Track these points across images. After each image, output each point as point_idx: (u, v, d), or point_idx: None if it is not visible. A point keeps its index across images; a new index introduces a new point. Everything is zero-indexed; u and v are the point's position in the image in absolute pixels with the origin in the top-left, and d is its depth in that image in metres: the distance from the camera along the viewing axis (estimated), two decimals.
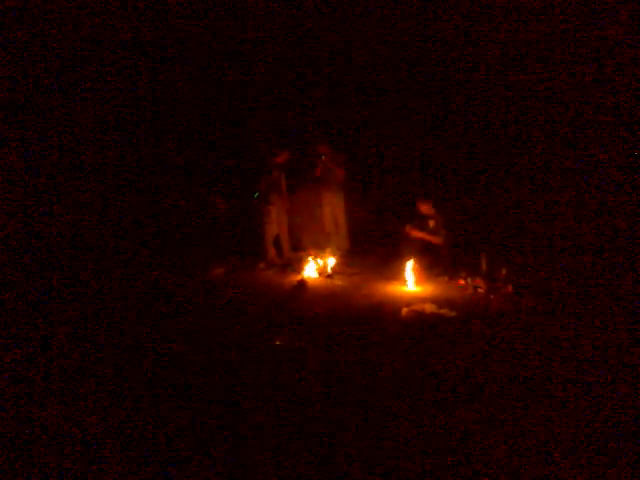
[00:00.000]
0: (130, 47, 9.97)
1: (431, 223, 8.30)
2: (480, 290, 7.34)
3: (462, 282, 7.63)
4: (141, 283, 7.51)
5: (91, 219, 9.20)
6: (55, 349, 5.37)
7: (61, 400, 4.42)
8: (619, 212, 8.81)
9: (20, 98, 9.32)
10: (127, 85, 9.99)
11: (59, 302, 6.69)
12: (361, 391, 4.57)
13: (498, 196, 9.22)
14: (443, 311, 6.50)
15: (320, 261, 8.30)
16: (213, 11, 10.15)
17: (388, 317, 6.37)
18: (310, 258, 8.30)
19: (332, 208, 9.22)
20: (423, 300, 6.87)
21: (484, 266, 7.77)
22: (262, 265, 8.62)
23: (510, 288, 7.24)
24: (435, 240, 8.18)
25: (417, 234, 8.17)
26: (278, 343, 5.61)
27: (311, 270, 8.21)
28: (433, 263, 8.03)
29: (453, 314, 6.42)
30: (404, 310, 6.47)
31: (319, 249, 8.55)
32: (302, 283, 7.56)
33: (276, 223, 8.82)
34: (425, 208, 8.35)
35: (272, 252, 8.80)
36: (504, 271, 7.54)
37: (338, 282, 7.96)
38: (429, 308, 6.54)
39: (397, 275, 7.80)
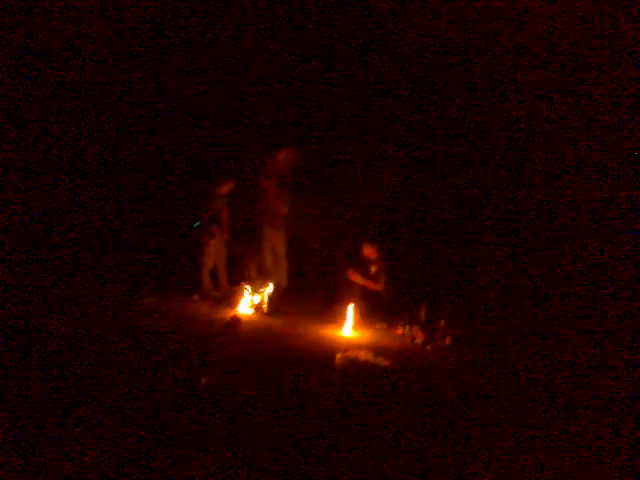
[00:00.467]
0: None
1: (372, 268, 8.17)
2: (417, 340, 7.20)
3: (400, 331, 7.47)
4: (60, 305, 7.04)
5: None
6: None
7: None
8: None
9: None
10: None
11: None
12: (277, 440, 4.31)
13: (440, 244, 9.12)
14: (378, 360, 6.30)
15: (257, 297, 8.00)
16: None
17: (321, 362, 6.12)
18: (246, 293, 7.99)
19: (273, 244, 8.97)
20: (359, 347, 6.67)
21: (423, 316, 7.64)
22: (196, 297, 8.27)
23: (448, 340, 7.13)
24: (375, 287, 8.03)
25: (358, 279, 8.02)
26: (203, 382, 5.28)
27: (246, 306, 7.91)
28: (372, 309, 7.88)
29: (387, 363, 6.23)
30: (338, 356, 6.24)
31: (257, 284, 8.25)
32: (235, 319, 7.24)
33: (215, 255, 8.50)
34: (370, 251, 8.22)
35: (208, 284, 8.45)
36: (442, 322, 7.43)
37: (273, 320, 7.68)
38: (364, 356, 6.33)
39: (335, 318, 7.61)
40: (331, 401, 5.10)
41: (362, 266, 8.17)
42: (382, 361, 6.28)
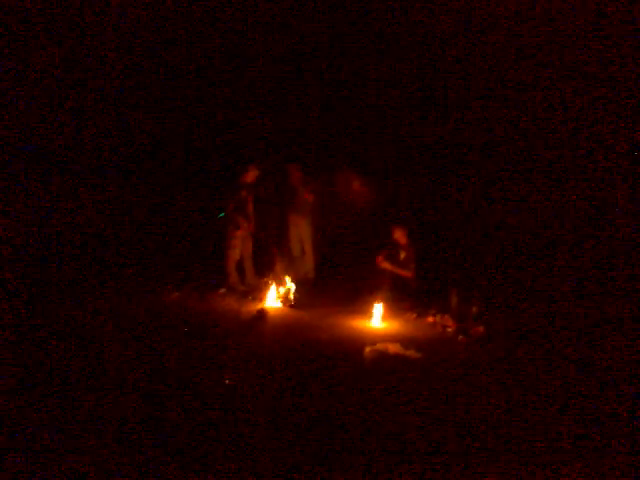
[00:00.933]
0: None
1: (402, 254, 7.95)
2: (449, 329, 6.97)
3: (431, 319, 7.25)
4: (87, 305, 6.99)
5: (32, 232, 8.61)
6: None
7: None
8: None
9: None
10: None
11: None
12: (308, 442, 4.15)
13: (473, 226, 8.84)
14: (408, 352, 6.09)
15: (283, 289, 7.85)
16: None
17: (349, 357, 5.94)
18: (273, 286, 7.84)
19: (299, 233, 8.79)
20: (388, 339, 6.45)
21: (454, 303, 7.40)
22: (223, 290, 8.14)
23: (481, 329, 6.86)
24: (405, 274, 7.81)
25: (387, 267, 7.80)
26: (227, 382, 5.16)
27: (273, 299, 7.76)
28: (401, 298, 7.66)
29: (418, 356, 6.02)
30: (367, 350, 6.05)
31: (284, 276, 8.09)
32: (262, 313, 7.13)
33: (241, 246, 8.35)
34: (399, 235, 8.00)
35: (234, 277, 8.30)
36: (475, 309, 7.18)
37: (300, 313, 7.53)
38: (393, 348, 6.11)
39: (363, 309, 7.42)
40: (360, 397, 4.94)
41: (391, 252, 7.96)
42: (413, 354, 6.06)
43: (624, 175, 8.74)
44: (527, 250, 8.54)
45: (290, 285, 7.85)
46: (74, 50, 9.28)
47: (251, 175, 8.36)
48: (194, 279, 8.37)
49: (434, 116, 9.71)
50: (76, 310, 6.79)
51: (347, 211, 9.03)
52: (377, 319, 7.23)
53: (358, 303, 7.60)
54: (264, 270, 8.38)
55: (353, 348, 6.17)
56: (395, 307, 7.54)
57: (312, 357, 5.89)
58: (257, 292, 7.97)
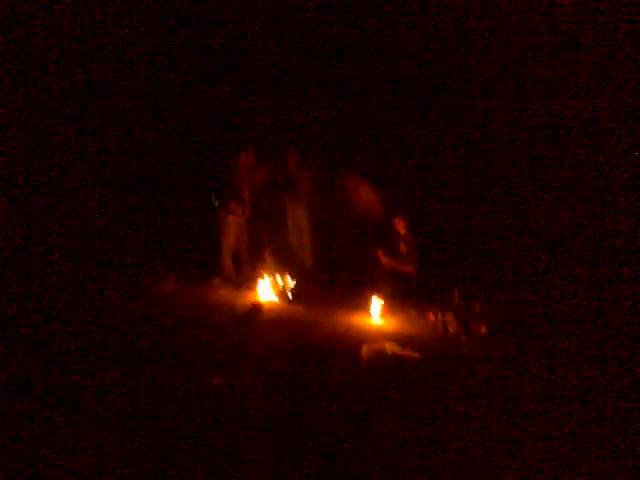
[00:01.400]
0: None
1: (403, 247, 7.70)
2: (450, 329, 6.73)
3: (431, 317, 7.02)
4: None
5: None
6: None
7: None
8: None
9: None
10: None
11: None
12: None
13: (475, 224, 8.63)
14: (406, 352, 5.86)
15: (280, 281, 7.58)
16: None
17: (346, 355, 5.71)
18: (269, 278, 7.58)
19: (296, 221, 8.52)
20: (387, 336, 6.25)
21: (456, 300, 7.17)
22: (217, 281, 7.88)
23: (484, 329, 6.63)
24: (406, 268, 7.57)
25: (387, 261, 7.55)
26: (216, 382, 4.94)
27: (269, 291, 7.50)
28: (402, 293, 7.41)
29: (416, 356, 5.80)
30: (364, 348, 5.81)
31: (280, 267, 7.81)
32: (257, 307, 6.89)
33: (236, 235, 8.07)
34: (401, 227, 7.76)
35: (229, 267, 8.04)
36: (477, 307, 6.95)
37: (297, 307, 7.28)
38: (391, 347, 5.88)
39: (362, 304, 7.20)
40: (354, 400, 4.77)
41: (391, 246, 7.71)
42: (411, 353, 5.84)
43: (624, 175, 8.62)
44: (530, 248, 8.34)
45: (288, 281, 7.56)
46: (73, 48, 9.01)
47: (247, 161, 8.08)
48: (187, 270, 8.08)
49: (436, 113, 9.52)
50: (69, 305, 6.53)
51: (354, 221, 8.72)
52: (376, 315, 7.01)
53: (357, 298, 7.35)
54: (260, 261, 8.10)
55: (351, 345, 5.93)
56: (395, 303, 7.30)
57: (308, 353, 5.70)
58: (253, 283, 7.69)
